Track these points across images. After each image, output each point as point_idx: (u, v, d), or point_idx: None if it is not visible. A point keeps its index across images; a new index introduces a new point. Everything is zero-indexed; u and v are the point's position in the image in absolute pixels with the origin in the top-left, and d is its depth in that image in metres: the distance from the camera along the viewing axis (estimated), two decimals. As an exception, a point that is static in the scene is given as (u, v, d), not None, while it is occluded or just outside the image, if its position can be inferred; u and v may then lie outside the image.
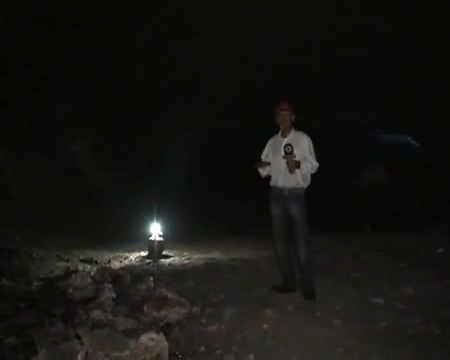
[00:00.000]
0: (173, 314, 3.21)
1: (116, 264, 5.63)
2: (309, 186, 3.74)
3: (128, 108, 8.93)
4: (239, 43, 7.51)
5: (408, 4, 6.18)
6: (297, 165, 3.54)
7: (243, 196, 11.77)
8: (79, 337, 2.50)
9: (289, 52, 7.81)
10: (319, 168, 3.67)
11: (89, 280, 4.15)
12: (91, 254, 5.99)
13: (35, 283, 4.22)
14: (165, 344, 2.52)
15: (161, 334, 2.62)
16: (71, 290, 3.88)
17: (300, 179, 3.65)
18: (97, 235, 7.28)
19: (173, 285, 4.24)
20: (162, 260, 5.85)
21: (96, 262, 5.59)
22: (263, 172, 3.87)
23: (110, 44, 7.14)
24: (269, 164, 3.75)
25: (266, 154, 3.89)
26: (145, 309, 3.26)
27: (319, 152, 3.71)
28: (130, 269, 5.13)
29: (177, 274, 4.85)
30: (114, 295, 3.65)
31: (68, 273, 4.68)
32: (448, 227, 7.29)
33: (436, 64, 7.76)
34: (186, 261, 5.78)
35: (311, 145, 3.68)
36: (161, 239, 6.23)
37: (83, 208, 7.97)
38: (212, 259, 5.86)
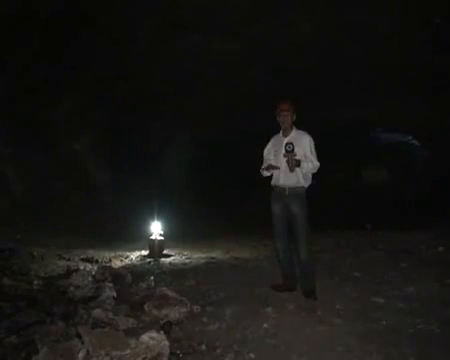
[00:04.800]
0: (174, 313, 3.21)
1: (117, 263, 5.63)
2: (310, 185, 3.75)
3: (128, 108, 8.93)
4: (239, 42, 7.51)
5: (408, 4, 6.18)
6: (297, 164, 3.55)
7: (243, 195, 11.78)
8: (80, 336, 2.50)
9: (289, 52, 7.81)
10: (319, 167, 3.68)
11: (90, 279, 4.16)
12: (92, 253, 6.00)
13: (36, 282, 4.23)
14: (166, 343, 2.52)
15: (162, 333, 2.63)
16: (72, 289, 3.89)
17: (301, 178, 3.65)
18: (98, 234, 7.29)
19: (174, 284, 4.25)
20: (163, 259, 5.85)
21: (97, 261, 5.59)
22: (266, 173, 3.86)
23: (110, 44, 7.14)
24: (279, 168, 3.71)
25: (268, 152, 3.89)
26: (146, 308, 3.26)
27: (320, 151, 3.71)
28: (131, 268, 5.14)
29: (178, 273, 4.85)
30: (115, 294, 3.66)
31: (69, 272, 4.69)
32: (448, 226, 7.29)
33: (436, 64, 7.75)
34: (187, 260, 5.79)
35: (312, 144, 3.69)
36: (162, 238, 6.23)
37: (84, 207, 7.97)
38: (213, 258, 5.87)
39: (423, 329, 2.99)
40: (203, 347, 2.76)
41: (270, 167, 3.75)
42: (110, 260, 5.76)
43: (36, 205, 7.06)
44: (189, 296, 3.57)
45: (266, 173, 3.84)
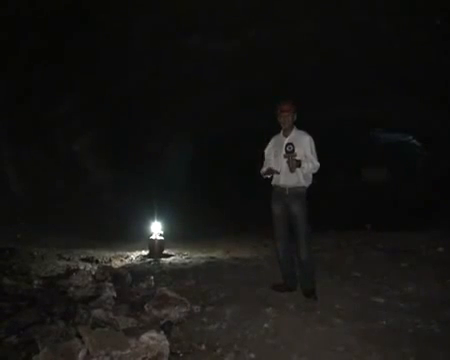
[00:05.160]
0: (174, 313, 3.21)
1: (117, 263, 5.63)
2: (310, 185, 3.75)
3: (128, 108, 8.93)
4: (239, 42, 7.51)
5: (408, 4, 6.18)
6: (298, 164, 3.54)
7: (243, 195, 11.78)
8: (80, 336, 2.50)
9: (289, 52, 7.81)
10: (320, 167, 3.68)
11: (90, 279, 4.15)
12: (92, 253, 5.99)
13: (36, 282, 4.22)
14: (166, 343, 2.52)
15: (162, 333, 2.62)
16: (72, 289, 3.88)
17: (301, 178, 3.65)
18: (98, 234, 7.29)
19: (174, 284, 4.24)
20: (163, 259, 5.85)
21: (97, 261, 5.59)
22: (267, 176, 3.86)
23: (110, 44, 7.14)
24: (278, 173, 3.73)
25: (268, 153, 3.90)
26: (146, 308, 3.26)
27: (320, 151, 3.71)
28: (131, 268, 5.14)
29: (178, 273, 4.85)
30: (115, 294, 3.66)
31: (69, 272, 4.68)
32: (448, 226, 7.29)
33: (436, 64, 7.75)
34: (187, 260, 5.79)
35: (313, 144, 3.68)
36: (162, 238, 6.23)
37: (84, 207, 7.98)
38: (213, 258, 5.87)
39: (423, 329, 2.99)
40: (203, 347, 2.76)
41: (270, 171, 3.75)
42: (110, 260, 5.76)
43: (36, 205, 7.07)
44: (189, 296, 3.57)
45: (266, 175, 3.85)
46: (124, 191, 9.13)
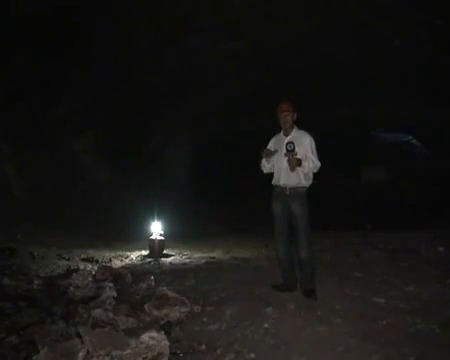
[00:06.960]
0: (174, 313, 3.21)
1: (117, 263, 5.64)
2: (310, 185, 3.74)
3: (128, 107, 8.94)
4: (239, 42, 7.51)
5: (408, 4, 6.18)
6: (298, 163, 3.54)
7: (243, 195, 11.77)
8: (80, 336, 2.50)
9: (289, 52, 7.81)
10: (320, 167, 3.68)
11: (90, 279, 4.14)
12: (92, 253, 6.00)
13: (36, 282, 4.22)
14: (166, 343, 2.52)
15: (162, 333, 2.62)
16: (72, 289, 3.88)
17: (302, 178, 3.64)
18: (98, 234, 7.29)
19: (174, 284, 4.24)
20: (163, 259, 5.86)
21: (97, 261, 5.59)
22: (267, 165, 3.85)
23: (110, 44, 7.14)
24: (276, 151, 3.70)
25: None
26: (146, 308, 3.26)
27: (320, 151, 3.71)
28: (131, 268, 5.14)
29: (178, 273, 4.85)
30: (115, 294, 3.66)
31: (69, 272, 4.68)
32: (448, 226, 7.28)
33: (436, 63, 7.75)
34: (187, 260, 5.79)
35: (313, 144, 3.68)
36: (162, 238, 6.24)
37: (84, 207, 7.98)
38: (213, 258, 5.86)
39: (423, 329, 2.99)
40: (203, 347, 2.76)
41: (269, 154, 3.74)
42: (110, 260, 5.76)
43: (36, 205, 7.07)
44: (189, 296, 3.57)
45: (265, 164, 3.82)
46: (124, 191, 9.12)
